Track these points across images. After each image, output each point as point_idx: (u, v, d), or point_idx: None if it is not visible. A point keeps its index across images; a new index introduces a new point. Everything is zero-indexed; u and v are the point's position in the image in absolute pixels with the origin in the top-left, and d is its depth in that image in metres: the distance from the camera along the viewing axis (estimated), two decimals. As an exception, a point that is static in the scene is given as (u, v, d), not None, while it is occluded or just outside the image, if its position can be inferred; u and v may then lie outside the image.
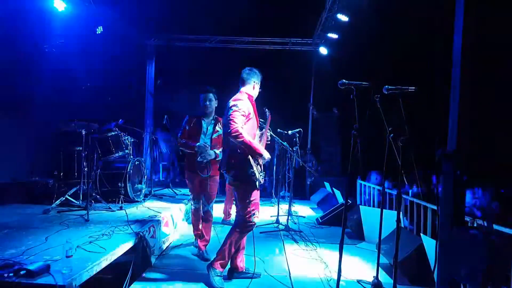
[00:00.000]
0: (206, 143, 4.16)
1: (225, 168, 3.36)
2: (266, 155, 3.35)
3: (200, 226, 4.30)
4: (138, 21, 9.02)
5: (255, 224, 3.39)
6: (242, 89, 3.50)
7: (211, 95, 4.25)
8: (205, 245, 4.27)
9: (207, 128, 4.26)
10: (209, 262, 3.46)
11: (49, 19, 6.10)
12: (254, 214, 3.33)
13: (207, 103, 4.24)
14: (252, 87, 3.50)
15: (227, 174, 3.39)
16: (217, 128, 4.26)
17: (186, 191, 3.71)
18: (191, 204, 4.39)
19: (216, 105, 4.31)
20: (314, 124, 9.86)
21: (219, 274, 3.36)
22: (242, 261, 3.62)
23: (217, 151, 4.16)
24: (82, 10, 7.01)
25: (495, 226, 3.00)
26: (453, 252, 1.61)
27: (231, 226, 3.50)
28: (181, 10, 8.55)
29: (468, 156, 1.66)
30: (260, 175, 3.32)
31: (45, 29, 5.81)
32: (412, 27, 8.28)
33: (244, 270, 3.60)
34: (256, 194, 3.36)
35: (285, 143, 5.66)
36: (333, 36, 8.24)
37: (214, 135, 4.22)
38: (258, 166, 3.32)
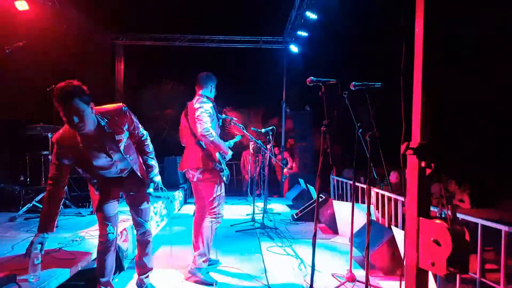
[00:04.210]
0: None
1: (193, 165, 3.44)
2: (229, 153, 3.53)
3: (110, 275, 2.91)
4: (106, 21, 8.82)
5: (222, 215, 3.55)
6: (201, 92, 3.59)
7: (80, 104, 2.26)
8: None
9: (107, 149, 2.56)
10: (191, 265, 3.48)
11: (10, 19, 5.85)
12: (221, 206, 3.51)
13: (76, 119, 2.27)
14: (209, 90, 3.63)
15: (193, 171, 3.46)
16: (119, 136, 2.61)
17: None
18: (105, 235, 2.77)
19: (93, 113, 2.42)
20: (288, 121, 9.96)
21: (207, 271, 3.48)
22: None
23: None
24: (47, 10, 6.79)
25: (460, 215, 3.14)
26: (419, 242, 1.67)
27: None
28: (151, 9, 8.42)
29: (433, 147, 1.72)
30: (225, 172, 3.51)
31: (6, 29, 5.58)
32: (379, 23, 8.50)
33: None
34: (222, 189, 3.52)
35: (259, 141, 5.67)
36: (303, 34, 8.34)
37: (121, 146, 2.65)
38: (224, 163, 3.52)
